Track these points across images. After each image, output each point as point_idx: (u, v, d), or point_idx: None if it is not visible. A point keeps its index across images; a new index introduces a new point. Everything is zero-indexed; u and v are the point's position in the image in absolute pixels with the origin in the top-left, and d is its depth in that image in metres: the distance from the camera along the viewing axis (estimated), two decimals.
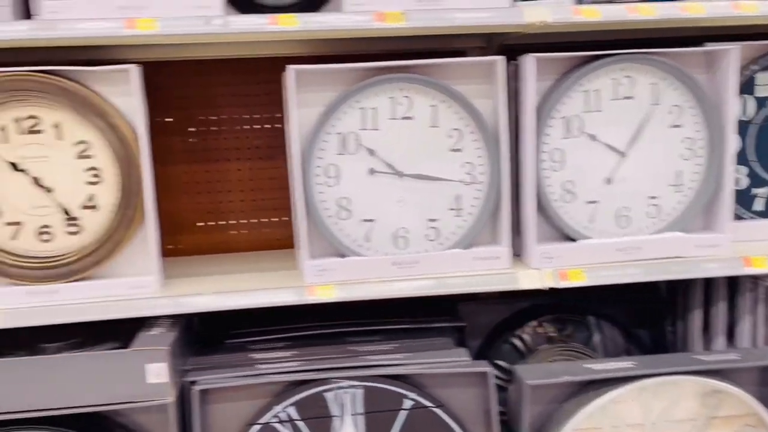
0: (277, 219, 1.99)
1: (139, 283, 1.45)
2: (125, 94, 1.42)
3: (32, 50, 1.57)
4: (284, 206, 2.00)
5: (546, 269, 1.49)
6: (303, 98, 1.47)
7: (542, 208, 1.54)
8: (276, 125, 1.96)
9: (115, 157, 1.41)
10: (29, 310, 1.39)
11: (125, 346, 1.50)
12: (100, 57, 1.74)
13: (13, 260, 1.41)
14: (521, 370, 1.44)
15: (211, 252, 1.94)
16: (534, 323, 1.95)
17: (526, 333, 1.95)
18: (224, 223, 1.97)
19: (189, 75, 1.89)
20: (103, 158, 1.42)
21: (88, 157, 1.42)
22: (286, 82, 1.46)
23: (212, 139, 1.94)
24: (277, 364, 1.48)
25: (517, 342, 1.97)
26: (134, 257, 1.47)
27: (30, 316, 1.39)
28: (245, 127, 1.94)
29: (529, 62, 1.45)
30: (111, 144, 1.41)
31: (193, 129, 1.92)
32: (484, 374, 1.41)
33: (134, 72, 1.39)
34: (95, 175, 1.43)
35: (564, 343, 1.97)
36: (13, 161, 1.40)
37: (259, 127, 1.95)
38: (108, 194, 1.44)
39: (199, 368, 1.47)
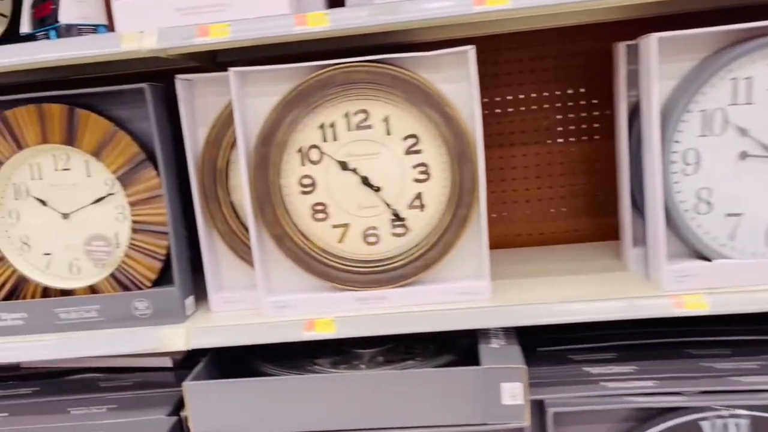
0: (566, 209, 1.79)
1: (471, 289, 1.31)
2: (457, 79, 1.28)
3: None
4: (573, 194, 1.80)
5: None
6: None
7: None
8: (568, 103, 1.75)
9: (447, 151, 1.28)
10: (359, 318, 1.31)
11: (457, 358, 1.40)
12: (384, 42, 1.64)
13: (340, 264, 1.34)
14: None
15: (495, 247, 1.80)
16: None
17: None
18: (507, 214, 1.82)
19: None
20: (433, 153, 1.29)
21: (416, 152, 1.30)
22: (641, 52, 1.24)
23: (494, 122, 1.77)
24: (625, 383, 1.29)
25: None
26: (464, 260, 1.33)
27: (361, 324, 1.30)
28: (532, 107, 1.76)
29: None
30: (443, 137, 1.27)
31: None
32: None
33: (472, 54, 1.25)
34: (423, 172, 1.30)
35: None
36: (341, 160, 1.32)
37: (548, 106, 1.75)
38: (436, 192, 1.31)
39: (537, 384, 1.31)
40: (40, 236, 1.41)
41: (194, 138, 1.38)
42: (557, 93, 1.72)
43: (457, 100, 1.28)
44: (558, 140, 1.74)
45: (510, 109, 1.75)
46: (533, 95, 1.74)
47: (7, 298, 1.41)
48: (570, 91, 1.72)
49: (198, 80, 1.37)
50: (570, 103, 1.72)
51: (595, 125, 1.72)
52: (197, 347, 1.32)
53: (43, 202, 1.39)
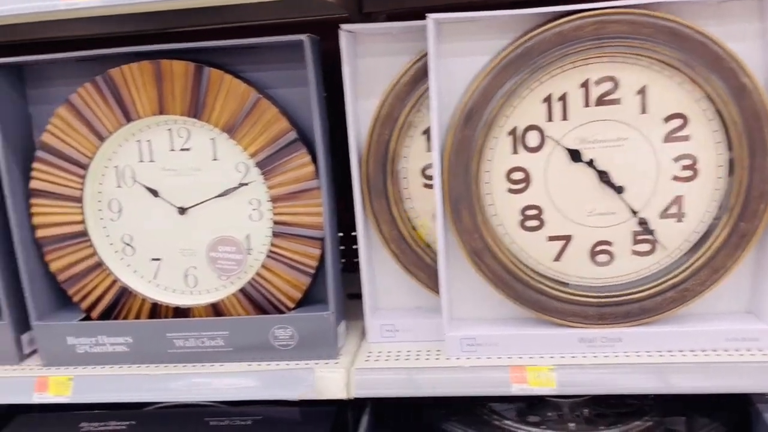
0: None
1: (747, 334, 0.93)
2: (748, 37, 0.90)
3: None
4: None
5: None
6: None
7: None
8: None
9: (733, 139, 0.92)
10: (585, 367, 0.95)
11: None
12: None
13: (558, 290, 0.98)
14: None
15: None
16: None
17: None
18: None
19: None
20: (705, 140, 0.91)
21: (682, 138, 0.92)
22: None
23: None
24: None
25: None
26: (737, 293, 0.96)
27: (589, 376, 0.94)
28: None
29: None
30: (730, 118, 0.90)
31: None
32: None
33: None
34: (689, 167, 0.92)
35: None
36: (572, 147, 0.95)
37: None
38: (705, 196, 0.93)
39: None
40: (148, 236, 1.07)
41: (357, 112, 1.03)
42: None
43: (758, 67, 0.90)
44: None
45: None
46: None
47: (107, 312, 1.09)
48: None
49: (365, 33, 1.01)
50: None
51: None
52: (362, 396, 0.99)
53: (154, 192, 1.05)
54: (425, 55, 0.96)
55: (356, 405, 1.12)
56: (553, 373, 0.94)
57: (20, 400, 1.04)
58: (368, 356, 1.02)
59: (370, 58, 1.02)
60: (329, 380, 0.98)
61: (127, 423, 1.25)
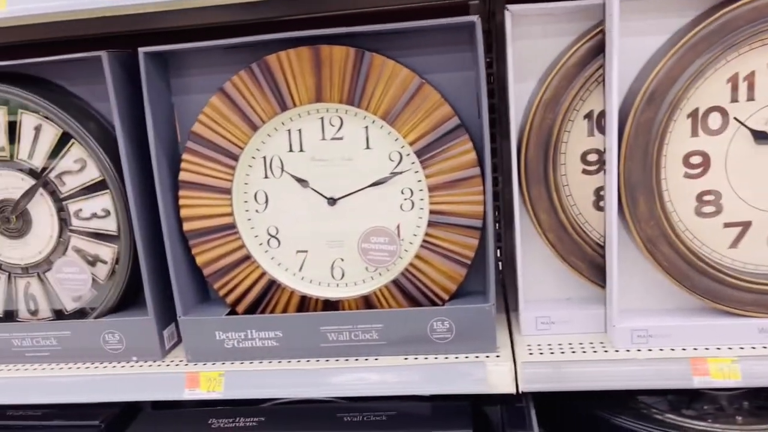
0: None
1: None
2: None
3: None
4: None
5: None
6: None
7: None
8: None
9: None
10: (765, 360, 0.92)
11: None
12: None
13: (735, 278, 0.95)
14: None
15: None
16: None
17: None
18: None
19: None
20: None
21: None
22: None
23: None
24: None
25: None
26: None
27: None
28: None
29: None
30: None
31: None
32: None
33: None
34: None
35: None
36: (759, 129, 0.90)
37: None
38: None
39: None
40: (295, 228, 1.04)
41: (518, 95, 1.00)
42: None
43: None
44: None
45: None
46: None
47: (253, 306, 1.07)
48: None
49: (523, 14, 0.97)
50: None
51: None
52: (530, 391, 0.96)
53: (304, 183, 1.03)
54: (594, 35, 0.93)
55: (482, 400, 1.10)
56: (737, 365, 0.90)
57: (171, 396, 1.02)
58: (529, 349, 0.99)
59: (526, 40, 0.98)
60: (496, 374, 0.95)
61: (257, 419, 1.22)
